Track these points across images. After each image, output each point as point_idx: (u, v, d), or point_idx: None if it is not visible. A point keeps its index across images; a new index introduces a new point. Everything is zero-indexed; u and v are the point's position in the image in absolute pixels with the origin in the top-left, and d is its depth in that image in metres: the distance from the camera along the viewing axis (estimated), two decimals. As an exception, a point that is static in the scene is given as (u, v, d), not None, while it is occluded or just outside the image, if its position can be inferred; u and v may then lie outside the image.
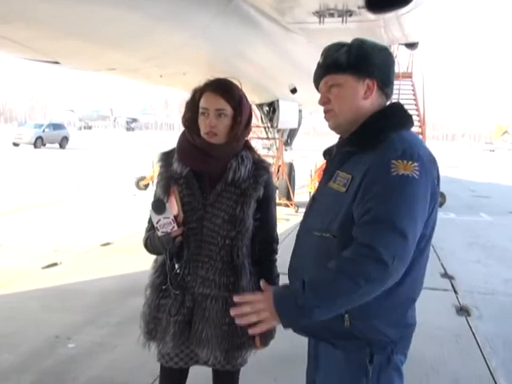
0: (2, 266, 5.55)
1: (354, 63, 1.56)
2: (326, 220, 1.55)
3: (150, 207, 1.82)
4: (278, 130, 10.40)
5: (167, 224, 1.78)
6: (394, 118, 1.59)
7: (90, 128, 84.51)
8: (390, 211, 1.40)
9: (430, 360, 3.59)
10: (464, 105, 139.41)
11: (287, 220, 8.65)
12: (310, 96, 9.74)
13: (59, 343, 3.71)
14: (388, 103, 1.67)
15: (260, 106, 9.63)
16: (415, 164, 1.43)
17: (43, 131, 30.63)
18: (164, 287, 1.91)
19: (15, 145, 29.73)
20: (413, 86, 13.38)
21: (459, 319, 4.50)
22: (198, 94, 1.89)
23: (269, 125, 9.91)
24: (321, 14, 3.51)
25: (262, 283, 1.61)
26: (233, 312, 1.52)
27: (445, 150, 52.36)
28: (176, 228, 1.80)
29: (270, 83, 7.60)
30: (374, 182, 1.44)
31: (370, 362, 1.50)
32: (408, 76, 13.41)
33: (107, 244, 6.79)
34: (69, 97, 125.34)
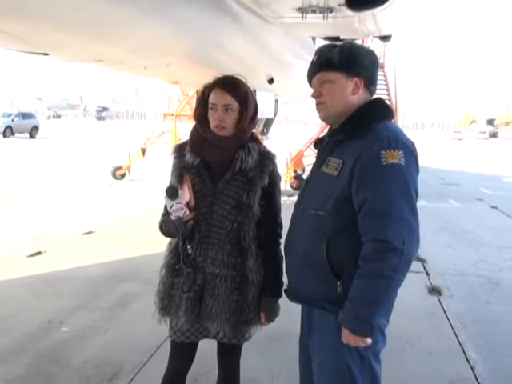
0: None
1: (345, 62, 1.80)
2: (321, 200, 1.80)
3: (164, 194, 2.00)
4: (255, 120, 10.53)
5: (179, 209, 1.97)
6: (378, 111, 1.84)
7: (59, 117, 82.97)
8: (384, 200, 1.65)
9: (406, 336, 3.85)
10: (433, 95, 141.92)
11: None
12: (285, 86, 9.93)
13: (52, 327, 3.84)
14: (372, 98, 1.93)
15: (237, 95, 9.72)
16: (400, 152, 1.68)
17: (12, 120, 30.01)
18: (177, 267, 2.08)
19: (-17, 134, 29.09)
20: (385, 76, 13.68)
21: (431, 299, 4.79)
22: (207, 91, 2.07)
23: (246, 114, 10.00)
24: (303, 10, 3.67)
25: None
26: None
27: (414, 138, 53.15)
28: (188, 213, 1.99)
29: (248, 74, 7.70)
30: (367, 172, 1.68)
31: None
32: (380, 66, 13.66)
33: (89, 233, 6.87)
34: (36, 85, 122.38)
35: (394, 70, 13.89)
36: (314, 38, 9.28)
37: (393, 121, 1.87)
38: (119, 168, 12.66)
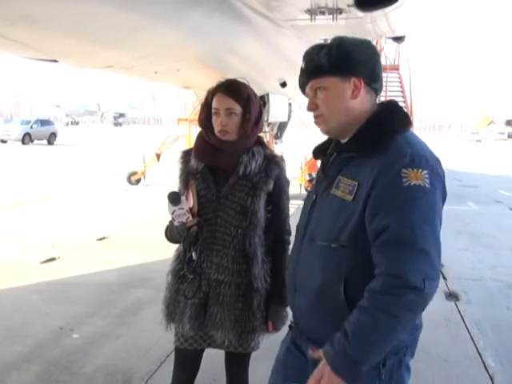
0: (0, 262, 5.63)
1: (337, 64, 1.51)
2: (334, 230, 1.51)
3: (166, 199, 1.97)
4: (269, 124, 10.52)
5: (182, 214, 1.94)
6: (397, 120, 1.55)
7: (77, 123, 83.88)
8: (408, 229, 1.37)
9: (421, 342, 3.72)
10: (450, 96, 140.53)
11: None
12: (299, 90, 9.89)
13: (64, 334, 3.83)
14: (382, 100, 1.66)
15: (250, 100, 9.73)
16: (425, 172, 1.40)
17: (31, 127, 30.44)
18: (182, 273, 2.06)
19: (3, 141, 29.53)
20: (400, 78, 13.56)
21: (449, 304, 4.69)
22: (210, 96, 2.04)
23: (259, 118, 10.01)
24: (312, 12, 3.63)
25: (313, 352, 1.55)
26: None
27: (432, 140, 52.76)
28: (191, 218, 1.96)
29: (261, 78, 7.69)
30: (387, 195, 1.41)
31: (383, 365, 1.49)
32: (395, 68, 13.59)
33: (103, 238, 6.88)
34: (55, 92, 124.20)
35: (409, 72, 13.75)
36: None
37: (411, 130, 1.58)
38: (134, 173, 12.71)
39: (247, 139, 2.04)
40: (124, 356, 3.51)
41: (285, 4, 3.96)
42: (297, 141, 32.80)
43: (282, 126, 12.75)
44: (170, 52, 4.47)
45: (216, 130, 2.02)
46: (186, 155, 2.13)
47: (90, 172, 15.40)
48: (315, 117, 1.60)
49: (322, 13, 3.58)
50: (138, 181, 12.68)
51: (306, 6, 3.57)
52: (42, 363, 3.37)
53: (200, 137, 2.10)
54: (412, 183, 1.38)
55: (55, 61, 3.91)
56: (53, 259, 5.80)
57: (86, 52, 3.84)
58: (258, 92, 7.95)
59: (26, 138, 29.77)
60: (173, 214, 1.95)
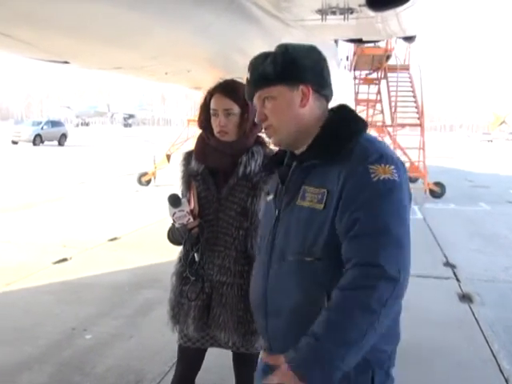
0: (13, 262, 5.67)
1: (283, 72, 1.45)
2: (306, 242, 1.41)
3: (166, 201, 1.99)
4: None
5: (182, 216, 1.95)
6: (354, 123, 1.50)
7: (87, 124, 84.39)
8: (381, 219, 1.32)
9: (435, 345, 3.72)
10: (462, 96, 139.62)
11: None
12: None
13: (76, 335, 3.84)
14: (331, 107, 1.57)
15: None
16: (392, 167, 1.37)
17: (42, 128, 30.66)
18: (184, 275, 2.07)
19: (14, 143, 29.75)
20: (410, 78, 13.49)
21: (462, 306, 4.64)
22: (208, 97, 2.06)
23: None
24: (323, 12, 3.62)
25: (265, 357, 1.48)
26: None
27: (443, 140, 52.50)
28: (192, 220, 1.97)
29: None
30: (357, 191, 1.35)
31: (372, 381, 1.40)
32: (405, 68, 13.51)
33: (114, 239, 6.90)
34: (65, 93, 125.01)
35: (420, 72, 13.67)
36: (336, 41, 9.21)
37: (367, 132, 1.54)
38: (144, 174, 12.75)
39: (246, 139, 2.04)
40: (136, 356, 3.52)
41: (295, 4, 3.96)
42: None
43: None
44: (180, 52, 4.48)
45: (215, 130, 2.02)
46: (188, 157, 2.14)
47: (100, 173, 15.47)
48: (265, 128, 1.54)
49: (333, 13, 3.57)
50: (149, 182, 12.72)
51: (317, 6, 3.56)
52: (54, 364, 3.39)
53: (200, 138, 2.12)
54: (381, 177, 1.35)
55: (66, 62, 3.94)
56: (65, 260, 5.83)
57: (95, 53, 3.86)
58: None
59: (37, 139, 29.97)
60: (173, 216, 1.96)
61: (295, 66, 1.45)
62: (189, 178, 2.09)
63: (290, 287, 1.43)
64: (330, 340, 1.25)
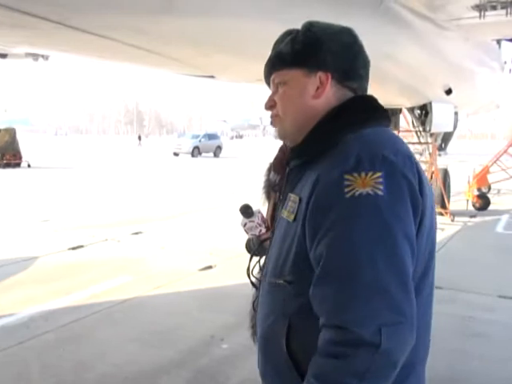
0: (164, 267, 6.03)
1: (300, 53, 1.20)
2: (279, 261, 1.18)
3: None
4: (431, 134, 9.87)
5: (254, 227, 1.90)
6: (352, 114, 1.17)
7: (241, 137, 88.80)
8: (348, 256, 0.99)
9: None
10: None
11: (442, 230, 8.13)
12: (466, 97, 9.10)
13: (214, 343, 3.91)
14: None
15: (411, 109, 9.23)
16: (377, 174, 1.01)
17: (199, 141, 32.93)
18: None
19: (175, 154, 32.34)
20: None
21: None
22: None
23: (420, 129, 9.46)
24: (481, 8, 3.23)
25: None
26: None
27: None
28: (264, 231, 1.89)
29: (422, 85, 7.25)
30: (323, 210, 1.04)
31: None
32: None
33: (257, 249, 6.99)
34: (222, 108, 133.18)
35: None
36: (498, 42, 8.36)
37: (385, 128, 1.20)
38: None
39: None
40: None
41: (449, 2, 3.61)
42: (464, 152, 30.52)
43: (446, 137, 11.91)
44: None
45: None
46: (270, 167, 2.09)
47: (249, 184, 16.01)
48: (271, 117, 1.30)
49: (493, 7, 3.17)
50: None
51: (474, 1, 3.20)
52: (191, 370, 3.47)
53: (280, 149, 2.04)
54: (357, 192, 1.01)
55: (212, 76, 4.08)
56: (209, 267, 6.04)
57: (239, 66, 3.93)
58: (420, 100, 7.57)
59: (195, 151, 32.22)
60: (244, 226, 1.91)
61: (316, 48, 1.20)
62: (268, 188, 2.03)
63: (264, 313, 1.23)
64: None
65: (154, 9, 2.70)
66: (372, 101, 1.23)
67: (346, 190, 1.01)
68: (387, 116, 1.23)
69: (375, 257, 0.98)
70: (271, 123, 1.31)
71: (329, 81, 1.20)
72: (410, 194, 1.04)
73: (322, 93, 1.20)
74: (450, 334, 4.15)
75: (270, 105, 1.28)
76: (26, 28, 2.48)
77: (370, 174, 1.02)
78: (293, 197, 1.18)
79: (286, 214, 1.18)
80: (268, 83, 1.31)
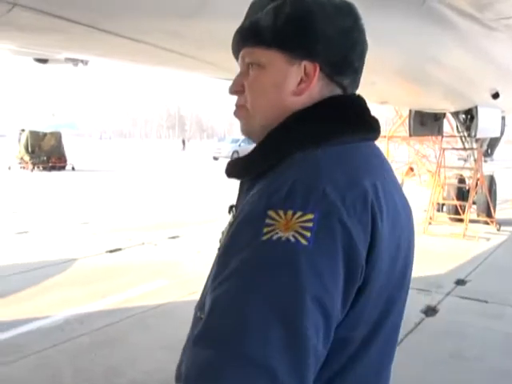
0: (200, 272, 5.95)
1: (284, 31, 0.90)
2: (203, 292, 0.97)
3: None
4: (477, 140, 9.52)
5: None
6: (312, 124, 0.89)
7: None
8: (237, 322, 0.73)
9: None
10: None
11: (487, 239, 7.80)
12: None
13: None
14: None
15: (455, 113, 8.93)
16: (307, 217, 0.76)
17: (239, 146, 33.09)
18: None
19: (215, 158, 32.60)
20: None
21: None
22: None
23: (465, 134, 9.13)
24: (533, 6, 3.04)
25: None
26: None
27: None
28: None
29: (467, 89, 6.99)
30: (230, 249, 0.81)
31: None
32: None
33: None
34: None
35: None
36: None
37: (365, 144, 0.92)
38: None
39: None
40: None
41: (497, 0, 3.42)
42: (511, 158, 29.44)
43: (492, 143, 11.44)
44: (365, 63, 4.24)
45: None
46: None
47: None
48: (236, 105, 0.99)
49: (546, 5, 2.97)
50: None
51: (525, -2, 3.01)
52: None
53: None
54: (275, 236, 0.75)
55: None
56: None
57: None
58: (465, 105, 7.28)
59: (234, 155, 32.34)
60: None
61: (305, 28, 0.89)
62: None
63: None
64: None
65: (187, 12, 2.66)
66: (355, 105, 0.95)
67: (265, 230, 0.77)
68: (371, 127, 0.95)
69: (265, 324, 0.72)
70: (234, 113, 1.00)
71: (316, 73, 0.91)
72: (343, 248, 0.77)
73: (305, 89, 0.92)
74: (495, 353, 3.93)
75: (236, 89, 0.97)
76: (59, 32, 2.48)
77: (298, 214, 0.77)
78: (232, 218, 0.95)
79: (221, 236, 0.97)
80: (236, 55, 1.00)
